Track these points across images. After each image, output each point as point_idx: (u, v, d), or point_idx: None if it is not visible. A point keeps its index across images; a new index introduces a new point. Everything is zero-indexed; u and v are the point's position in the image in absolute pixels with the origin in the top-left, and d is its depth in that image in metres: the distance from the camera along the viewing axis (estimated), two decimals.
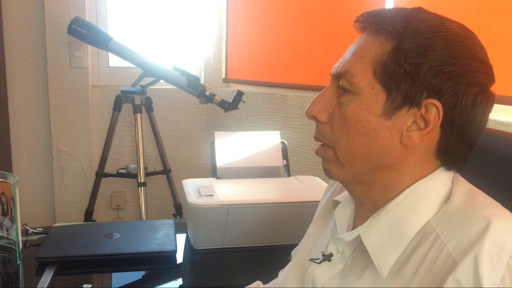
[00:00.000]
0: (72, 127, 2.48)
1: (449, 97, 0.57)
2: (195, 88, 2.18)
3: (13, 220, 1.07)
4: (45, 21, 2.35)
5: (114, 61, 2.52)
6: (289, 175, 1.41)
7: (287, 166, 1.42)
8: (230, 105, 2.17)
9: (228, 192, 1.24)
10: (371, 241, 0.61)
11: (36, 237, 1.24)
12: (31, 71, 2.41)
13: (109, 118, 2.37)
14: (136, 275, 1.13)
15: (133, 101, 2.27)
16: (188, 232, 1.25)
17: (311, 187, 1.33)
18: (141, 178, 2.24)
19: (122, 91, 2.31)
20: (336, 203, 0.73)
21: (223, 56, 2.71)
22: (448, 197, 0.60)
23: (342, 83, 0.62)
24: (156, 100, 2.42)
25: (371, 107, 0.60)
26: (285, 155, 1.43)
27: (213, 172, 1.37)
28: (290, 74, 2.24)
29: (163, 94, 2.59)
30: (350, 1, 1.90)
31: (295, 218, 1.17)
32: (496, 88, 0.61)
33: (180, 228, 1.27)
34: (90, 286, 0.98)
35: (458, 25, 0.60)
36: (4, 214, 1.09)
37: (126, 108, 2.40)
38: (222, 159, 1.37)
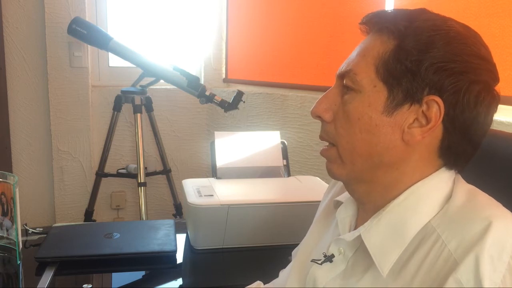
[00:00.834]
0: (72, 127, 2.48)
1: (451, 94, 0.57)
2: (195, 88, 2.18)
3: (13, 220, 1.07)
4: (45, 21, 2.35)
5: (114, 61, 2.52)
6: (289, 175, 1.41)
7: (287, 166, 1.42)
8: (230, 105, 2.17)
9: (228, 192, 1.24)
10: (372, 241, 0.61)
11: (36, 237, 1.24)
12: (31, 71, 2.41)
13: (109, 118, 2.37)
14: (136, 275, 1.13)
15: (133, 101, 2.27)
16: (188, 232, 1.25)
17: (311, 187, 1.33)
18: (141, 178, 2.24)
19: (122, 91, 2.31)
20: (337, 204, 0.73)
21: (223, 56, 2.71)
22: (449, 198, 0.60)
23: (345, 82, 0.63)
24: (156, 100, 2.42)
25: (373, 104, 0.60)
26: (285, 155, 1.43)
27: (213, 172, 1.37)
28: (290, 74, 2.24)
29: (163, 94, 2.59)
30: (350, 1, 1.90)
31: (295, 218, 1.17)
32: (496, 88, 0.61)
33: (180, 228, 1.27)
34: (90, 286, 0.98)
35: (460, 24, 0.61)
36: (4, 214, 1.09)
37: (126, 108, 2.40)
38: (222, 159, 1.37)
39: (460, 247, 0.53)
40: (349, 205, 0.71)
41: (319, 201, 0.85)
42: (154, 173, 2.47)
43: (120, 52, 2.21)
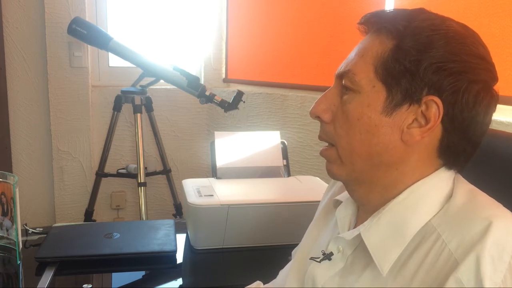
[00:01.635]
0: (72, 127, 2.48)
1: (450, 94, 0.57)
2: (195, 88, 2.18)
3: (13, 220, 1.07)
4: (45, 21, 2.35)
5: (114, 61, 2.52)
6: (289, 175, 1.41)
7: (287, 166, 1.42)
8: (230, 105, 2.17)
9: (228, 192, 1.24)
10: (371, 240, 0.61)
11: (36, 237, 1.24)
12: (31, 71, 2.41)
13: (109, 118, 2.37)
14: (136, 275, 1.13)
15: (133, 101, 2.27)
16: (188, 232, 1.25)
17: (311, 187, 1.33)
18: (141, 178, 2.24)
19: (122, 91, 2.31)
20: (337, 203, 0.73)
21: (223, 56, 2.71)
22: (449, 197, 0.60)
23: (344, 82, 0.63)
24: (156, 100, 2.42)
25: (372, 104, 0.60)
26: (285, 155, 1.43)
27: (213, 172, 1.37)
28: (290, 74, 2.24)
29: (163, 94, 2.59)
30: (350, 1, 1.90)
31: (295, 218, 1.17)
32: (496, 87, 0.61)
33: (180, 228, 1.27)
34: (90, 286, 0.98)
35: (459, 24, 0.61)
36: (4, 214, 1.09)
37: (126, 108, 2.40)
38: (222, 159, 1.37)
39: (460, 247, 0.53)
40: (349, 204, 0.71)
41: (319, 201, 0.85)
42: (154, 173, 2.47)
43: (120, 52, 2.21)
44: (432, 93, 0.57)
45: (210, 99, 2.18)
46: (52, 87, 2.41)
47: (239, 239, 1.19)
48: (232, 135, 1.43)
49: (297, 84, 2.18)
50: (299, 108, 2.13)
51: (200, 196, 1.19)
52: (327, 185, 0.85)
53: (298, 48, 2.18)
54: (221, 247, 1.19)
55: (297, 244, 0.84)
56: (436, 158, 0.62)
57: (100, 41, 2.21)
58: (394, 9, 0.64)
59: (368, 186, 0.64)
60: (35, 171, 2.51)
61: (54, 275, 1.04)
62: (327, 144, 0.67)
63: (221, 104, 2.18)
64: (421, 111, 0.58)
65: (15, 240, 1.06)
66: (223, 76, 2.73)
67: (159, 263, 1.13)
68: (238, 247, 1.20)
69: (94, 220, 2.42)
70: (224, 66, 2.72)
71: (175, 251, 1.13)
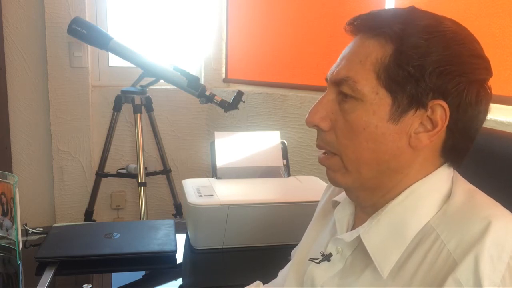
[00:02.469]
0: (72, 127, 2.48)
1: (455, 97, 0.57)
2: (195, 88, 2.18)
3: (13, 220, 1.07)
4: (45, 21, 2.35)
5: (114, 61, 2.51)
6: (289, 175, 1.41)
7: (287, 166, 1.42)
8: (230, 105, 2.17)
9: (228, 192, 1.23)
10: (371, 242, 0.61)
11: (36, 237, 1.24)
12: (31, 71, 2.41)
13: (109, 118, 2.37)
14: (136, 275, 1.13)
15: (133, 101, 2.27)
16: (188, 232, 1.25)
17: (311, 187, 1.33)
18: (141, 178, 2.24)
19: (122, 91, 2.30)
20: (335, 203, 0.73)
21: (223, 56, 2.71)
22: (448, 197, 0.60)
23: (344, 90, 0.61)
24: (156, 100, 2.42)
25: (377, 112, 0.59)
26: (285, 155, 1.43)
27: (213, 172, 1.37)
28: (290, 74, 2.24)
29: (163, 94, 2.58)
30: (350, 1, 1.90)
31: (295, 218, 1.17)
32: (496, 88, 0.61)
33: (180, 228, 1.27)
34: (90, 286, 0.98)
35: (453, 22, 0.60)
36: (4, 214, 1.09)
37: (126, 108, 2.40)
38: (222, 159, 1.37)
39: (459, 247, 0.53)
40: (347, 205, 0.70)
41: (319, 201, 0.85)
42: (154, 173, 2.47)
43: (120, 52, 2.21)
44: (437, 97, 0.57)
45: (210, 99, 2.18)
46: (52, 87, 2.41)
47: (239, 239, 1.19)
48: (232, 135, 1.43)
49: (297, 84, 2.18)
50: (299, 108, 2.13)
51: (200, 196, 1.19)
52: (326, 185, 0.85)
53: (298, 48, 2.18)
54: (221, 247, 1.19)
55: (296, 244, 0.84)
56: (439, 157, 0.62)
57: (100, 41, 2.21)
58: (386, 10, 0.64)
59: (371, 191, 0.64)
60: (35, 171, 2.51)
61: (54, 275, 1.04)
62: (323, 151, 0.65)
63: (221, 104, 2.18)
64: (427, 115, 0.58)
65: (15, 240, 1.06)
66: (223, 76, 2.73)
67: (159, 263, 1.13)
68: (238, 247, 1.20)
69: (94, 220, 2.42)
70: (224, 66, 2.72)
71: (175, 251, 1.13)
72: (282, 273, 0.86)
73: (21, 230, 1.16)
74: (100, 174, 2.36)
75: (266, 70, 2.40)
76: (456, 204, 0.58)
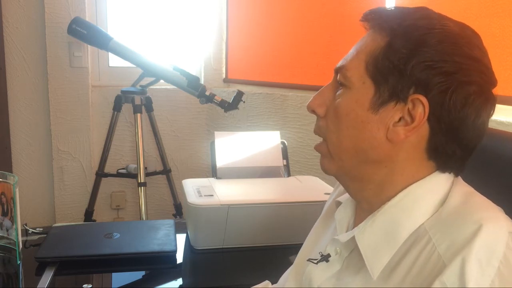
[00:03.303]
0: (72, 127, 2.48)
1: (437, 94, 0.56)
2: (195, 88, 2.18)
3: (13, 220, 1.07)
4: (45, 21, 2.35)
5: (114, 61, 2.51)
6: (289, 175, 1.41)
7: (287, 166, 1.42)
8: (230, 105, 2.17)
9: (228, 192, 1.23)
10: (365, 243, 0.61)
11: (36, 237, 1.24)
12: (31, 71, 2.41)
13: (109, 118, 2.37)
14: (136, 275, 1.13)
15: (133, 101, 2.27)
16: (188, 232, 1.25)
17: (311, 187, 1.33)
18: (141, 178, 2.24)
19: (122, 91, 2.30)
20: (339, 204, 0.73)
21: (223, 56, 2.71)
22: (445, 200, 0.59)
23: (338, 78, 0.63)
24: (156, 100, 2.42)
25: (360, 100, 0.60)
26: (285, 155, 1.43)
27: (213, 172, 1.37)
28: (290, 74, 2.24)
29: (163, 94, 2.59)
30: (350, 1, 1.90)
31: (295, 218, 1.17)
32: (496, 88, 0.60)
33: (180, 228, 1.27)
34: (90, 286, 0.98)
35: (457, 24, 0.60)
36: (4, 214, 1.09)
37: (126, 108, 2.40)
38: (222, 159, 1.37)
39: (449, 250, 0.52)
40: (348, 206, 0.70)
41: (319, 201, 0.86)
42: (154, 173, 2.47)
43: (120, 52, 2.21)
44: (419, 92, 0.57)
45: (210, 99, 2.18)
46: (52, 87, 2.41)
47: (239, 239, 1.19)
48: (232, 135, 1.43)
49: (297, 84, 2.18)
50: (299, 108, 2.13)
51: (200, 196, 1.19)
52: (327, 185, 0.85)
53: (298, 48, 2.18)
54: (221, 247, 1.19)
55: (296, 244, 0.84)
56: (427, 159, 0.60)
57: (100, 41, 2.21)
58: (394, 7, 0.64)
59: (359, 182, 0.64)
60: (35, 171, 2.51)
61: (54, 275, 1.04)
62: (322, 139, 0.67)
63: (221, 104, 2.18)
64: (408, 109, 0.58)
65: (15, 240, 1.06)
66: (223, 76, 2.73)
67: (159, 263, 1.13)
68: (238, 247, 1.20)
69: (94, 220, 2.42)
70: (224, 66, 2.72)
71: (175, 251, 1.13)
72: (285, 273, 0.86)
73: (21, 230, 1.16)
74: (100, 174, 2.36)
75: (266, 70, 2.40)
76: (450, 207, 0.57)
